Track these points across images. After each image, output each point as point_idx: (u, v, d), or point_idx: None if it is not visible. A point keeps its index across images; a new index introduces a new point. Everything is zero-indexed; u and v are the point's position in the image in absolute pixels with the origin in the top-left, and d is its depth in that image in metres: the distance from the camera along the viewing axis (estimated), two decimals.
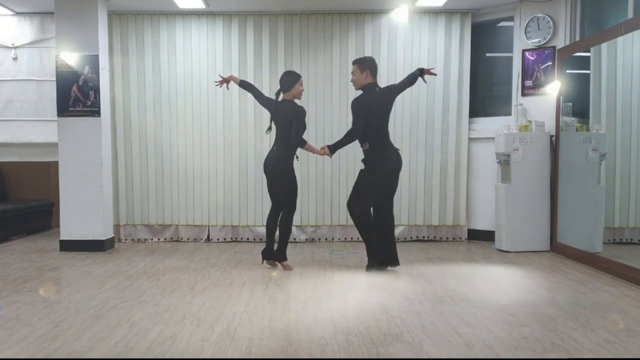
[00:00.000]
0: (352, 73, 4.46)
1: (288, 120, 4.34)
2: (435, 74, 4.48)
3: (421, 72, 4.39)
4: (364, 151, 4.38)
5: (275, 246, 4.52)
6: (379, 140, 4.34)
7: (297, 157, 4.49)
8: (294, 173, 4.44)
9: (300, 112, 4.37)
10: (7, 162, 6.49)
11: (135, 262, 4.79)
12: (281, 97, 4.48)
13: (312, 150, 4.52)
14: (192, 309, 3.35)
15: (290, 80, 4.45)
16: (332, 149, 4.51)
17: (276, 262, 4.53)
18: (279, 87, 4.53)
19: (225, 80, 4.64)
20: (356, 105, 4.34)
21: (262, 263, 4.60)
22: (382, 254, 4.40)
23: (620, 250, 4.66)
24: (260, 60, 5.79)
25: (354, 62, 4.46)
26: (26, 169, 6.52)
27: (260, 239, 5.87)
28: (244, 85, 4.62)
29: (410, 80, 4.43)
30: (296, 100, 4.50)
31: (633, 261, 4.14)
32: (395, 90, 4.48)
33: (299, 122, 4.34)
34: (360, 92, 4.49)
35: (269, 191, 4.56)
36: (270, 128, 4.56)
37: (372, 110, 4.32)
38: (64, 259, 4.95)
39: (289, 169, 4.39)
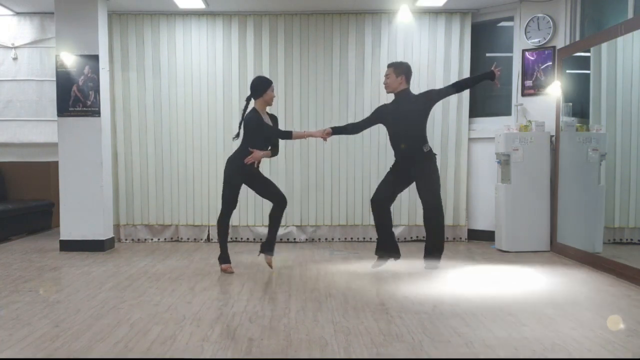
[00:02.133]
0: (386, 75, 4.43)
1: (246, 128, 4.30)
2: (498, 72, 4.36)
3: (495, 77, 4.32)
4: (425, 153, 4.40)
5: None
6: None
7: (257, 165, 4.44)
8: (235, 167, 4.32)
9: (259, 123, 4.26)
10: (7, 162, 6.49)
11: (135, 262, 4.79)
12: (252, 103, 4.39)
13: (308, 135, 4.50)
14: (192, 309, 3.35)
15: (261, 86, 4.34)
16: (335, 130, 4.57)
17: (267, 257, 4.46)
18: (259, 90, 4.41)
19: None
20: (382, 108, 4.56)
21: (259, 256, 4.54)
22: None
23: (620, 250, 4.66)
24: (260, 60, 5.79)
25: (390, 65, 4.44)
26: (26, 169, 6.52)
27: (260, 239, 5.87)
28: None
29: (459, 87, 4.51)
30: (267, 108, 4.44)
31: (633, 261, 4.13)
32: (436, 95, 4.51)
33: (268, 130, 4.29)
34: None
35: (256, 192, 4.58)
36: (238, 135, 4.44)
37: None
38: (64, 259, 4.95)
39: (230, 163, 4.35)
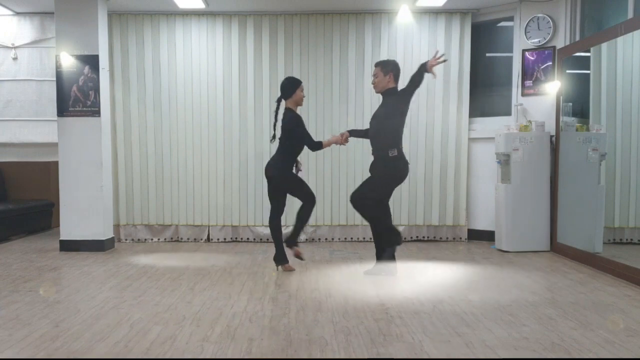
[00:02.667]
0: (373, 75, 4.30)
1: (285, 129, 4.34)
2: (444, 60, 4.18)
3: (426, 67, 4.08)
4: (390, 157, 4.19)
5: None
6: (401, 147, 4.25)
7: (298, 168, 4.48)
8: (291, 173, 4.41)
9: (299, 123, 4.31)
10: (7, 162, 6.49)
11: (135, 262, 4.79)
12: (283, 103, 4.45)
13: (333, 142, 4.49)
14: (192, 309, 3.35)
15: (290, 86, 4.40)
16: (352, 133, 4.54)
17: (296, 251, 4.47)
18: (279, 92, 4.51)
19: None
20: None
21: (278, 269, 4.48)
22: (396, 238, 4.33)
23: (620, 250, 4.66)
24: (260, 60, 5.79)
25: (377, 64, 4.29)
26: (26, 169, 6.52)
27: (260, 239, 5.87)
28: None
29: (415, 82, 4.15)
30: (298, 108, 4.48)
31: (633, 261, 4.13)
32: (408, 94, 4.22)
33: (303, 133, 4.33)
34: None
35: (268, 194, 4.53)
36: (274, 136, 4.48)
37: (400, 116, 4.24)
38: (64, 259, 4.95)
39: (284, 173, 4.36)
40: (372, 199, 4.24)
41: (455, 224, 5.91)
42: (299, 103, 4.45)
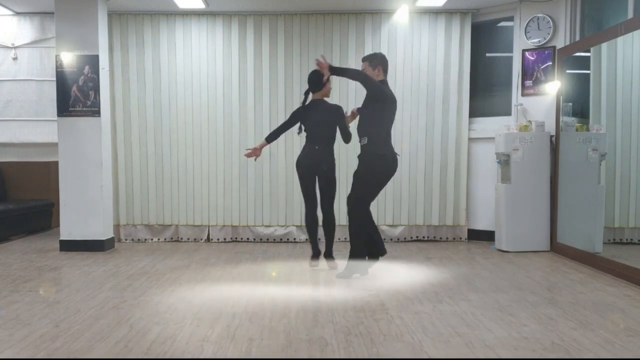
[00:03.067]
0: (362, 70, 4.29)
1: (331, 119, 4.42)
2: (322, 59, 4.16)
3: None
4: (362, 146, 4.18)
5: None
6: (380, 137, 4.15)
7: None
8: None
9: (343, 113, 4.49)
10: (7, 162, 6.49)
11: (135, 262, 4.79)
12: (310, 96, 4.50)
13: (350, 122, 4.61)
14: (192, 309, 3.35)
15: (320, 79, 4.37)
16: (358, 110, 4.49)
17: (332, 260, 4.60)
18: (304, 87, 4.60)
19: (255, 153, 4.56)
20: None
21: (312, 265, 4.57)
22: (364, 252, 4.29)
23: (620, 250, 4.66)
24: (260, 60, 5.79)
25: (364, 59, 4.27)
26: (26, 169, 6.52)
27: (260, 239, 5.87)
28: (272, 137, 4.59)
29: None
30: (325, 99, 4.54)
31: (633, 261, 4.13)
32: (367, 79, 4.28)
33: (345, 123, 4.48)
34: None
35: (307, 188, 4.53)
36: (301, 130, 4.53)
37: (385, 105, 4.17)
38: (64, 259, 4.95)
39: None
40: (354, 199, 4.22)
41: (455, 224, 5.91)
42: (326, 95, 4.51)
